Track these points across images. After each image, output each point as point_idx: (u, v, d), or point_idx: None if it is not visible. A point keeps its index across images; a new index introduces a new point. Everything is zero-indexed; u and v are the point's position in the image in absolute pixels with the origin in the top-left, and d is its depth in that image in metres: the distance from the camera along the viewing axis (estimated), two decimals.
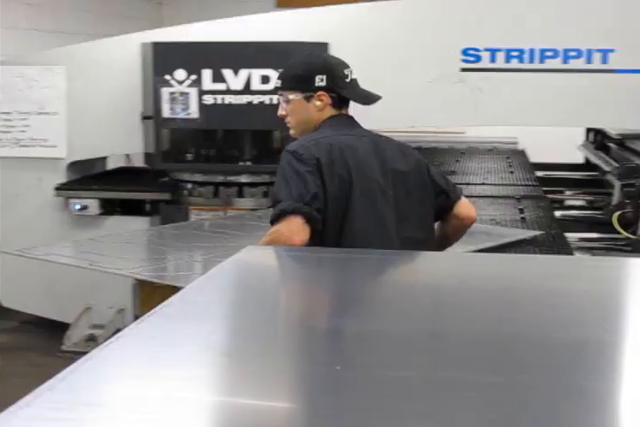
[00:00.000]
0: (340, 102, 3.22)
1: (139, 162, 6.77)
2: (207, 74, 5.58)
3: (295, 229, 2.89)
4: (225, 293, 2.24)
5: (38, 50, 6.78)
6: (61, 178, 6.06)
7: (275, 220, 2.92)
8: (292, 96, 3.20)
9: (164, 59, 5.63)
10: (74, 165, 6.13)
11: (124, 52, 5.86)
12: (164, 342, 1.73)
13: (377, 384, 1.50)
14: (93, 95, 5.97)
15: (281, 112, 3.25)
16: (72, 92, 5.96)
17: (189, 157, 5.80)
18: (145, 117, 5.80)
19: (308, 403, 1.46)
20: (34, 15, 7.94)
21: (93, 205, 5.91)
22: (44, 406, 1.36)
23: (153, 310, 1.89)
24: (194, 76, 5.58)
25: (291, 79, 3.23)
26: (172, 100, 5.59)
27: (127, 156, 7.17)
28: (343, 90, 3.19)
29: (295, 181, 2.95)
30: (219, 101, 5.58)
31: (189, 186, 5.83)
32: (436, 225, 3.31)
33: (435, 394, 1.46)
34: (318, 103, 3.17)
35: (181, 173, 5.91)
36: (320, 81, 3.16)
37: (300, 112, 3.21)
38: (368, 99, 3.28)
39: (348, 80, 3.20)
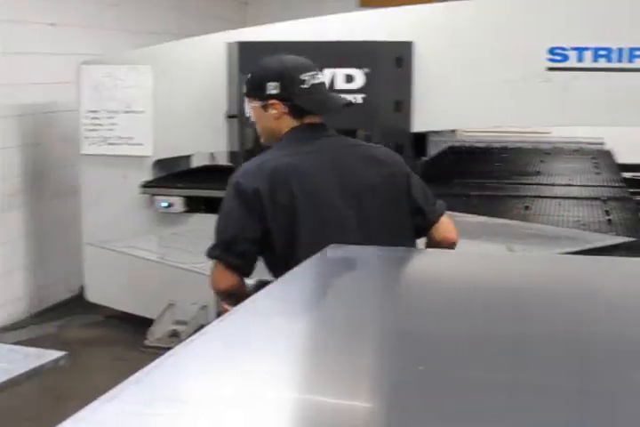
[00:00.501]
0: (302, 111, 3.04)
1: (223, 160, 6.82)
2: None
3: (217, 276, 2.98)
4: (308, 291, 2.25)
5: (125, 50, 6.89)
6: (147, 176, 6.14)
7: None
8: (252, 104, 3.09)
9: (250, 58, 5.65)
10: (159, 163, 6.21)
11: (209, 52, 5.91)
12: (246, 339, 1.74)
13: (460, 385, 1.49)
14: (178, 94, 6.04)
15: (252, 119, 3.14)
16: (158, 91, 6.04)
17: None
18: (229, 116, 5.84)
19: (388, 403, 1.46)
20: (120, 15, 8.05)
21: (178, 203, 5.97)
22: (128, 401, 1.38)
23: (236, 308, 1.90)
24: None
25: (249, 86, 3.12)
26: None
27: (211, 154, 7.23)
28: (297, 97, 3.00)
29: (224, 220, 2.99)
30: None
31: None
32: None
33: (517, 396, 1.45)
34: (273, 112, 3.02)
35: None
36: (272, 88, 3.01)
37: (260, 121, 3.10)
38: (325, 106, 3.11)
39: (306, 86, 3.02)
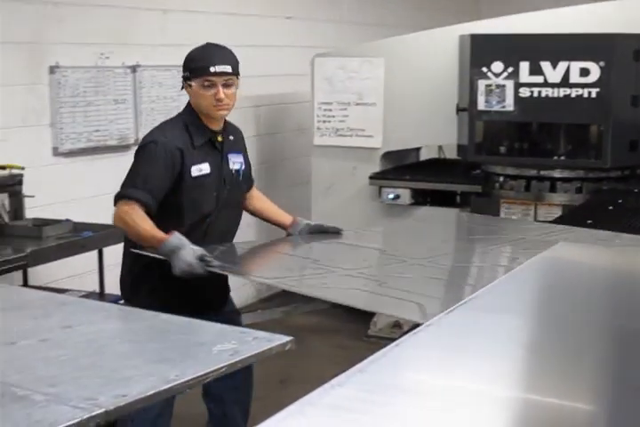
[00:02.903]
0: None
1: (450, 154, 6.81)
2: (524, 66, 5.51)
3: None
4: (533, 288, 2.22)
5: (356, 42, 6.99)
6: (375, 167, 6.21)
7: None
8: (237, 81, 3.52)
9: (482, 51, 5.62)
10: (387, 155, 6.27)
11: (442, 45, 5.91)
12: (469, 333, 1.74)
13: None
14: (409, 87, 6.07)
15: (221, 96, 3.43)
16: (389, 84, 6.09)
17: (502, 149, 5.77)
18: (460, 109, 5.82)
19: (611, 406, 1.42)
20: (354, 8, 8.18)
21: (405, 195, 6.01)
22: (354, 388, 1.41)
23: (461, 302, 1.90)
24: (511, 69, 5.53)
25: (237, 66, 3.52)
26: (488, 92, 5.57)
27: (440, 147, 7.23)
28: None
29: None
30: (535, 94, 5.50)
31: (501, 179, 5.79)
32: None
33: None
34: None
35: (494, 165, 5.88)
36: None
37: (236, 97, 3.54)
38: None
39: None
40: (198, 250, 3.21)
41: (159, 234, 3.28)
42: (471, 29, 5.78)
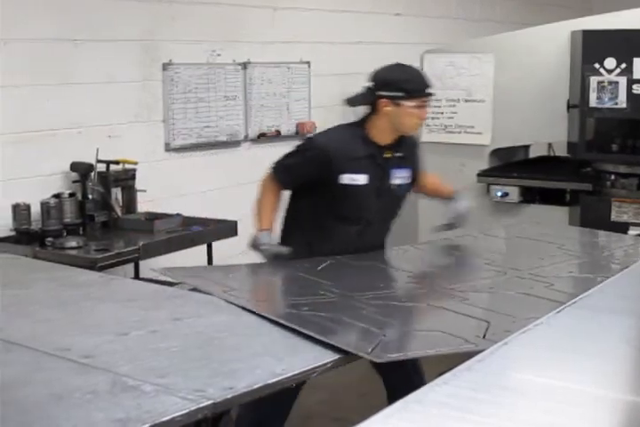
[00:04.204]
0: None
1: (560, 151, 6.70)
2: (638, 62, 5.38)
3: None
4: None
5: (465, 38, 6.94)
6: (484, 164, 6.15)
7: None
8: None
9: (594, 47, 5.51)
10: (496, 152, 6.20)
11: (553, 40, 5.82)
12: (578, 333, 1.72)
13: None
14: (519, 83, 6.00)
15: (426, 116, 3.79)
16: (498, 80, 6.03)
17: (614, 147, 5.65)
18: (571, 106, 5.73)
19: None
20: (465, 4, 8.13)
21: (514, 193, 5.94)
22: (461, 386, 1.40)
23: (571, 301, 1.88)
24: (624, 65, 5.41)
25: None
26: (600, 88, 5.46)
27: (549, 145, 7.12)
28: None
29: None
30: None
31: (612, 177, 5.67)
32: None
33: None
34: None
35: (605, 163, 5.77)
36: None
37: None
38: None
39: None
40: (273, 250, 3.62)
41: (263, 223, 3.69)
42: (583, 25, 5.67)
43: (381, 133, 3.71)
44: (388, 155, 3.75)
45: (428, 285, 3.43)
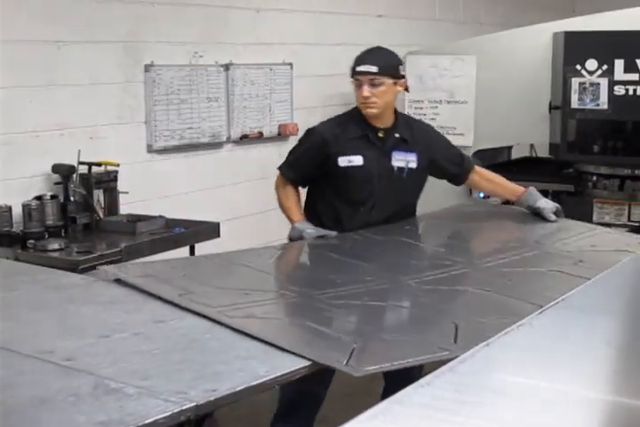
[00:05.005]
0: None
1: (542, 152, 6.72)
2: (619, 64, 5.41)
3: None
4: (627, 289, 2.19)
5: (451, 40, 6.95)
6: None
7: None
8: (388, 81, 3.70)
9: (576, 48, 5.53)
10: (479, 154, 6.21)
11: (535, 42, 5.84)
12: (560, 333, 1.73)
13: None
14: (501, 84, 6.01)
15: (365, 94, 3.68)
16: (480, 82, 6.04)
17: (596, 148, 5.67)
18: (553, 108, 5.75)
19: None
20: (448, 6, 8.14)
21: None
22: (444, 387, 1.41)
23: (553, 302, 1.88)
24: (605, 66, 5.43)
25: (390, 67, 3.73)
26: (582, 90, 5.49)
27: (531, 146, 7.14)
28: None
29: None
30: (630, 92, 5.40)
31: (594, 178, 5.69)
32: None
33: None
34: (400, 89, 3.81)
35: (586, 164, 5.79)
36: (403, 70, 3.85)
37: (389, 96, 3.73)
38: None
39: None
40: (312, 234, 3.71)
41: (294, 216, 3.85)
42: (565, 27, 5.69)
43: (369, 114, 3.80)
44: (381, 134, 3.80)
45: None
